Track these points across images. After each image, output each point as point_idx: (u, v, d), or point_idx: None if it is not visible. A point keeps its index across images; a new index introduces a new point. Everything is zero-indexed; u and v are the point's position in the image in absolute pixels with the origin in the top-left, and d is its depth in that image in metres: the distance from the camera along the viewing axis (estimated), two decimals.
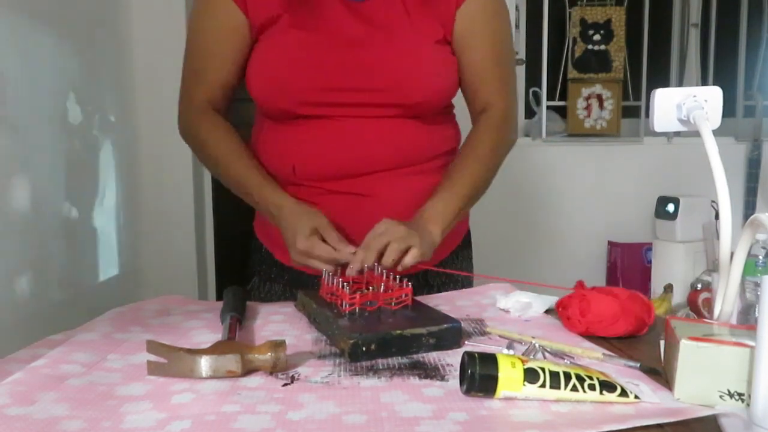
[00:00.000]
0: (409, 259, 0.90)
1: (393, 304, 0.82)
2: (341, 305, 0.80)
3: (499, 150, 1.08)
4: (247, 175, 1.02)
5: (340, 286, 0.82)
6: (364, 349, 0.71)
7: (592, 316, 0.78)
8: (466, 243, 1.19)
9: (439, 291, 1.08)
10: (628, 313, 0.78)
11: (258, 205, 1.03)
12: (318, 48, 1.00)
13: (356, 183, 1.03)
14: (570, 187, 2.67)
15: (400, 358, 0.71)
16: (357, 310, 0.80)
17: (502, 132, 1.08)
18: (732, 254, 0.69)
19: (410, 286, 0.84)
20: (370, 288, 0.83)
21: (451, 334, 0.75)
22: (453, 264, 1.14)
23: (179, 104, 1.10)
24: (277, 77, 1.01)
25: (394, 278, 0.86)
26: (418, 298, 0.96)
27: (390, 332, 0.72)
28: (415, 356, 0.72)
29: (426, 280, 1.10)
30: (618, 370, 0.66)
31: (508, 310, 0.90)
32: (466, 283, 1.16)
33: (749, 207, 2.66)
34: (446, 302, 0.96)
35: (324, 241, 0.93)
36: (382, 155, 1.02)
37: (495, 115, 1.07)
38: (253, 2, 1.01)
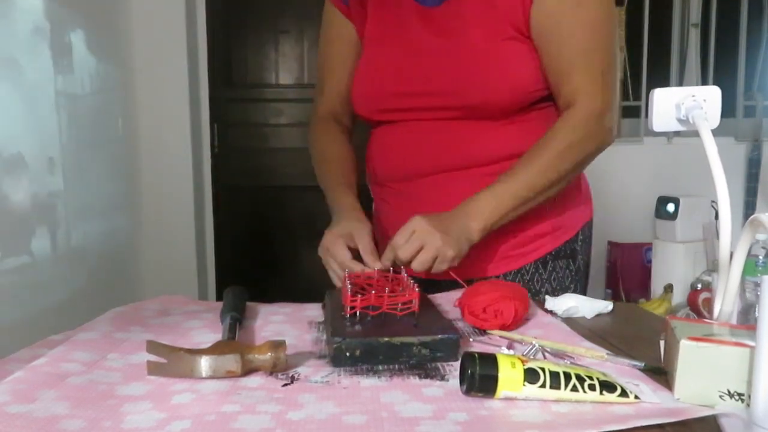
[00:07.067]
0: (439, 267, 0.91)
1: (399, 309, 0.77)
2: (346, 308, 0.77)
3: (574, 152, 0.97)
4: (329, 177, 1.10)
5: (348, 289, 0.79)
6: (348, 354, 0.67)
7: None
8: (563, 253, 1.15)
9: None
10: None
11: (329, 207, 1.07)
12: (390, 58, 1.06)
13: (421, 184, 1.06)
14: None
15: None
16: (358, 314, 0.75)
17: (580, 132, 0.97)
18: (732, 254, 0.69)
19: (418, 291, 0.78)
20: (373, 291, 0.79)
21: (446, 346, 0.69)
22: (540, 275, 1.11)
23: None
24: (359, 88, 1.11)
25: (408, 282, 0.82)
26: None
27: (377, 339, 0.68)
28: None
29: None
30: (618, 370, 0.66)
31: (554, 311, 0.90)
32: None
33: (749, 207, 2.66)
34: (448, 302, 0.96)
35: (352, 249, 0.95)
36: (445, 157, 1.04)
37: (576, 114, 0.97)
38: (354, 14, 1.11)
